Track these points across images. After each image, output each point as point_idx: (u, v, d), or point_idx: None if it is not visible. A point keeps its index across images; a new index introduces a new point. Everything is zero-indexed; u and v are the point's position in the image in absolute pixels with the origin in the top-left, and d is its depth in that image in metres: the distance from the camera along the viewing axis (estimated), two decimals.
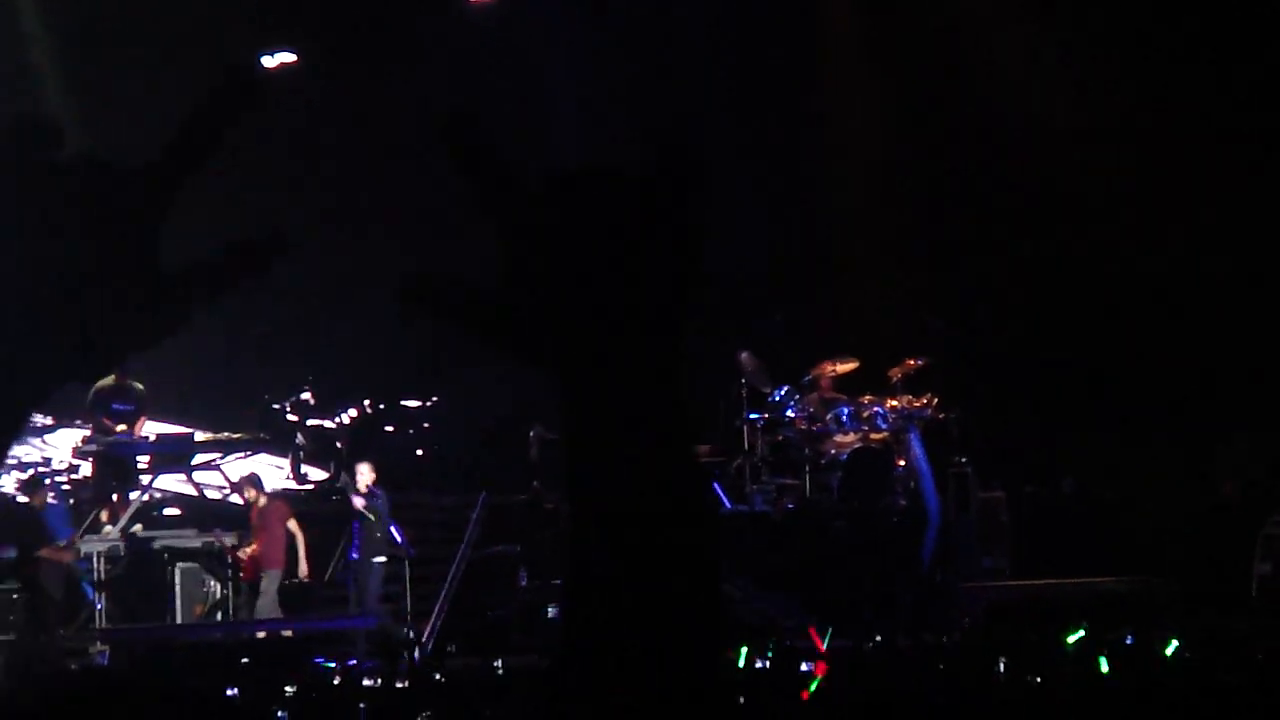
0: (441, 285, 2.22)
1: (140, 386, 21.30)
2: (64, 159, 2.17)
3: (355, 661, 16.67)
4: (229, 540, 20.07)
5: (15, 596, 19.39)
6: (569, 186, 2.17)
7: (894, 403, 21.12)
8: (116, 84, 23.37)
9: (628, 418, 2.14)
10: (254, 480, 20.48)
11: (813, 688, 10.91)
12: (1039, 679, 10.80)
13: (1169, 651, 11.31)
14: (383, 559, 20.00)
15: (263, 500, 20.14)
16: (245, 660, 15.87)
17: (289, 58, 24.24)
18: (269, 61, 24.25)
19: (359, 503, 20.05)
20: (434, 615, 19.23)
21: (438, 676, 13.71)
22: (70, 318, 2.12)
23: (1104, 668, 10.85)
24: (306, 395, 22.14)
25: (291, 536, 20.01)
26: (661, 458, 2.13)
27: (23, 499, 20.40)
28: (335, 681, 14.15)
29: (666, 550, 2.12)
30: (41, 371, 2.15)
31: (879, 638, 14.80)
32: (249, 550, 19.90)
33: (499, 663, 14.70)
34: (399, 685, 12.25)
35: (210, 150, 2.24)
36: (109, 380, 21.07)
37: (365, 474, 20.22)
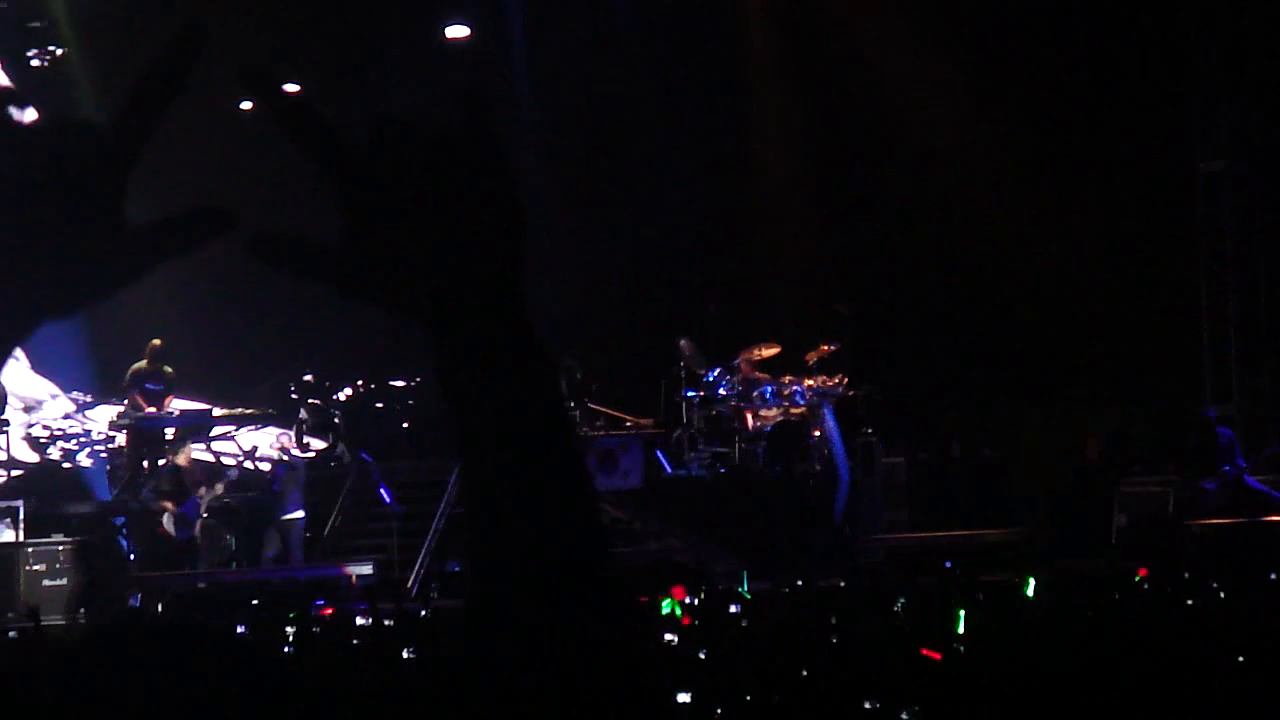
0: (289, 239, 2.12)
1: (170, 370, 21.31)
2: (34, 121, 2.08)
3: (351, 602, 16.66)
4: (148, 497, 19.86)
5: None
6: (394, 137, 2.09)
7: (810, 382, 21.21)
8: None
9: (484, 352, 2.07)
10: (182, 445, 20.47)
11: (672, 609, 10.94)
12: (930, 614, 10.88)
13: (1029, 591, 11.39)
14: (299, 514, 19.85)
15: (183, 463, 20.10)
16: (255, 602, 15.85)
17: (293, 87, 24.19)
18: None
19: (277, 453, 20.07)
20: (418, 562, 19.24)
21: (422, 614, 13.72)
22: (39, 265, 2.05)
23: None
24: (309, 377, 22.16)
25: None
26: (526, 387, 2.06)
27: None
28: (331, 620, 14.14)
29: (545, 492, 2.06)
30: (12, 313, 2.08)
31: (798, 581, 14.86)
32: (168, 505, 19.74)
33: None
34: (387, 623, 12.24)
35: (166, 105, 2.16)
36: (143, 364, 21.12)
37: (285, 440, 20.23)
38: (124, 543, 19.79)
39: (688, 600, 11.58)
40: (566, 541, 1.99)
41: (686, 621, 10.70)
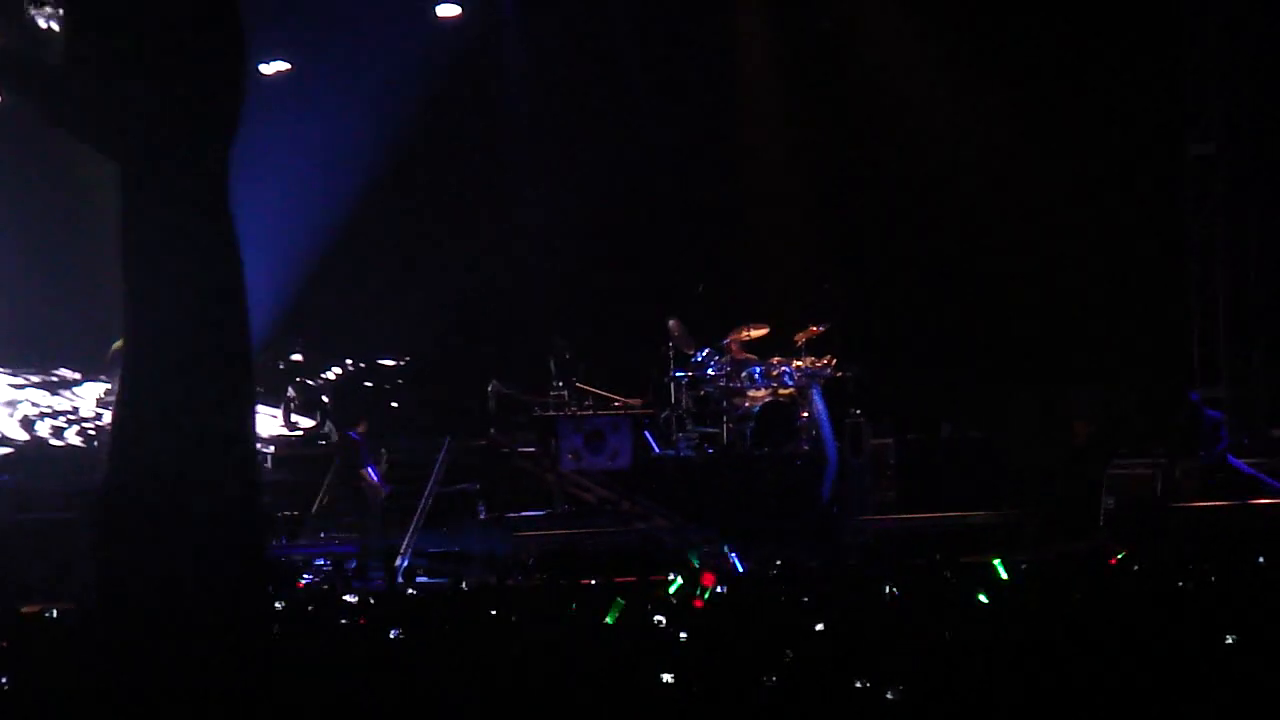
0: (11, 59, 2.10)
1: None
2: None
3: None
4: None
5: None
6: None
7: (799, 363, 21.21)
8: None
9: (170, 208, 2.04)
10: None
11: (706, 596, 10.94)
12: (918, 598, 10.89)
13: (1001, 573, 11.38)
14: None
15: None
16: None
17: (284, 65, 24.12)
18: (266, 69, 24.09)
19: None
20: (406, 540, 19.21)
21: (410, 592, 13.71)
22: None
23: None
24: (297, 356, 22.14)
25: None
26: (204, 260, 2.04)
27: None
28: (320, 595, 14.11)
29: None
30: None
31: (779, 562, 14.86)
32: None
33: (464, 584, 14.72)
34: (371, 601, 12.22)
35: None
36: (122, 343, 21.10)
37: None
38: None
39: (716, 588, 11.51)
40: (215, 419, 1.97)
41: (700, 605, 10.69)
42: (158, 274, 1.70)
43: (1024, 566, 12.21)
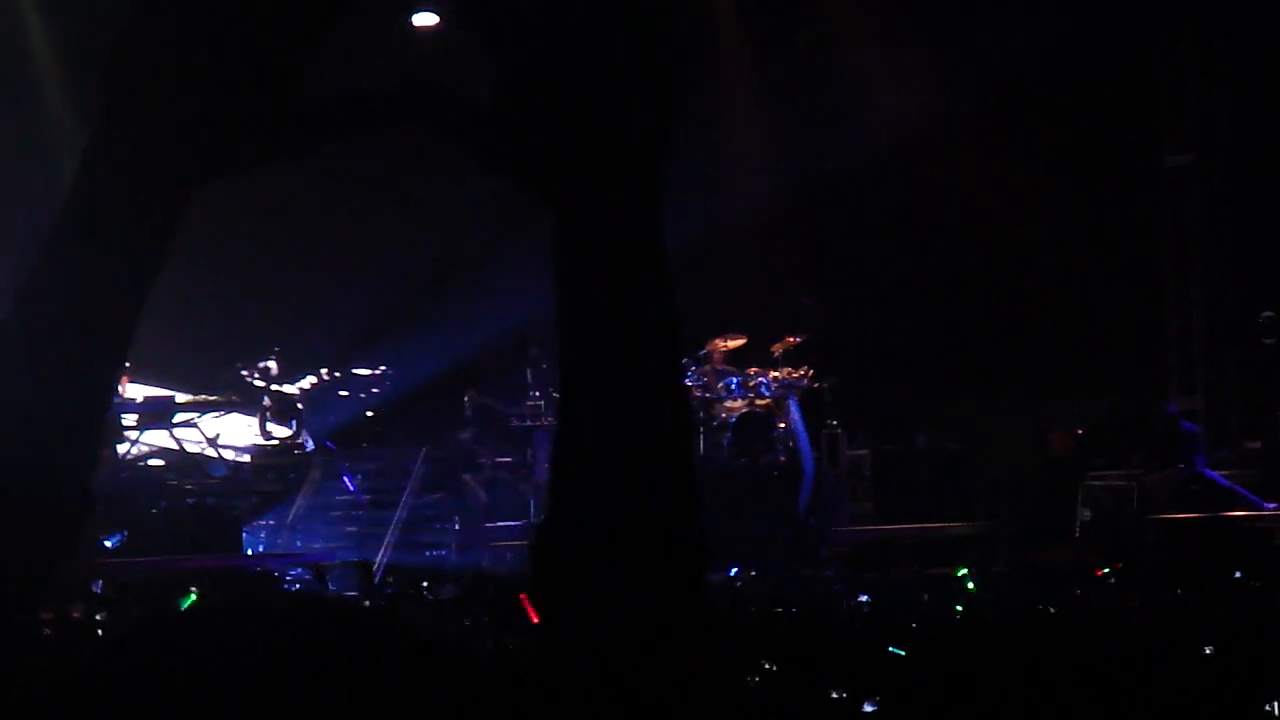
0: (439, 100, 2.09)
1: None
2: None
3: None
4: None
5: None
6: (565, 9, 2.04)
7: (776, 374, 21.23)
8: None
9: (604, 236, 2.03)
10: None
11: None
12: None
13: (969, 583, 11.42)
14: None
15: None
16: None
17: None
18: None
19: None
20: (381, 551, 19.20)
21: (382, 604, 13.70)
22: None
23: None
24: (271, 364, 22.12)
25: None
26: (640, 281, 2.02)
27: None
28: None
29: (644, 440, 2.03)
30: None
31: (753, 573, 14.88)
32: None
33: (431, 594, 14.73)
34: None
35: None
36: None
37: None
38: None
39: None
40: (656, 448, 1.95)
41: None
42: (593, 301, 1.69)
43: (983, 578, 12.25)
